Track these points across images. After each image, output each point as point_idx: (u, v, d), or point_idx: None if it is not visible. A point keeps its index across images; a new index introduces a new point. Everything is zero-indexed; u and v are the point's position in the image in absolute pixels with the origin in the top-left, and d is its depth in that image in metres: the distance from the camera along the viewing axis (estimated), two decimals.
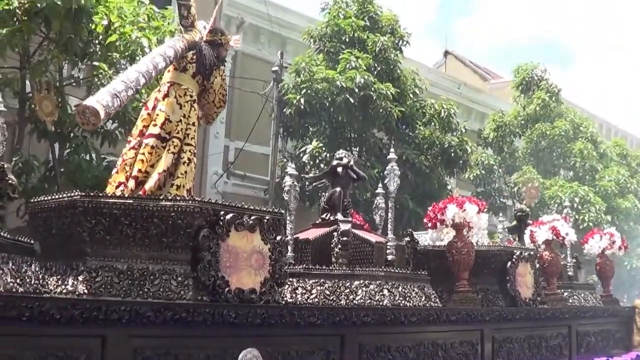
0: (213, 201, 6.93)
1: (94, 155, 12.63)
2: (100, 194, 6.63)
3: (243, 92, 21.76)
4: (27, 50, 11.94)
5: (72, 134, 12.40)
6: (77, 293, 6.30)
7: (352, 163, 9.98)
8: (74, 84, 13.08)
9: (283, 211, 7.58)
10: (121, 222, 6.50)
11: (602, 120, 41.94)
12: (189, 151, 7.58)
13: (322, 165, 18.21)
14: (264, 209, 7.35)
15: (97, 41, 12.03)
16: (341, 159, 10.05)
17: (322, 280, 8.47)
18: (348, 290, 8.46)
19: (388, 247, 9.26)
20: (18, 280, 5.88)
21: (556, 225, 11.90)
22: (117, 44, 11.91)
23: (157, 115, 7.52)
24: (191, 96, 7.76)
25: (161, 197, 6.76)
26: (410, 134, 20.49)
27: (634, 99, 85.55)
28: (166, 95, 7.63)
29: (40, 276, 6.33)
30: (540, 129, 27.18)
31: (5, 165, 6.03)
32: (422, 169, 19.79)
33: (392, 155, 9.83)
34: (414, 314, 8.56)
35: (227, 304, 6.63)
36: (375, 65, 19.20)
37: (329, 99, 18.36)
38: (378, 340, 8.13)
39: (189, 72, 7.84)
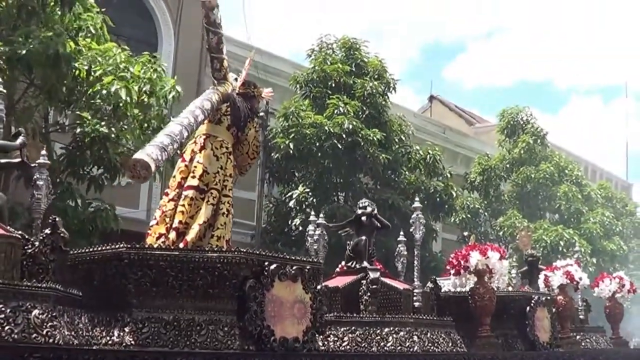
0: (258, 252, 7.04)
1: (79, 201, 12.55)
2: (146, 246, 6.74)
3: None
4: (11, 97, 11.82)
5: (58, 180, 12.29)
6: (124, 344, 6.36)
7: (375, 212, 10.14)
8: (59, 130, 13.14)
9: (321, 261, 7.70)
10: (167, 273, 6.60)
11: (588, 162, 42.37)
12: (227, 202, 7.72)
13: (307, 211, 18.25)
14: (305, 259, 7.47)
15: (80, 88, 12.12)
16: (365, 207, 10.21)
17: (353, 327, 8.55)
18: (379, 337, 8.55)
19: (415, 294, 9.37)
20: (73, 333, 5.94)
21: (570, 270, 12.08)
22: (103, 92, 11.94)
23: (195, 167, 7.66)
24: (227, 148, 7.92)
25: (207, 249, 6.87)
26: (396, 179, 20.58)
27: (619, 141, 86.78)
28: (203, 148, 7.79)
29: (90, 328, 6.39)
30: (525, 173, 27.27)
31: (57, 219, 6.12)
32: (408, 214, 19.65)
33: (417, 204, 10.03)
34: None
35: (273, 352, 6.72)
36: (364, 109, 19.35)
37: (317, 144, 18.47)
38: None
39: (224, 124, 8.00)
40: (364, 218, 10.12)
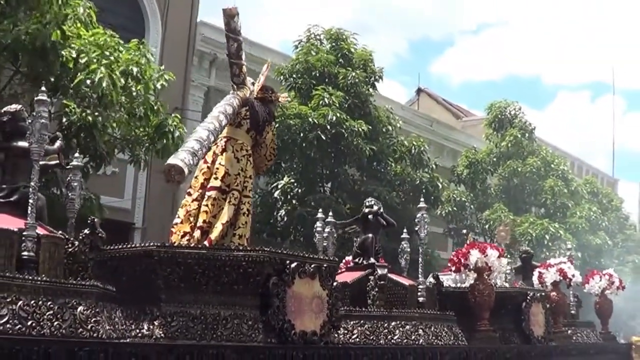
0: (280, 251, 7.46)
1: (64, 190, 12.62)
2: (175, 245, 7.15)
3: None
4: None
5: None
6: (154, 337, 6.76)
7: (381, 210, 10.57)
8: None
9: (337, 259, 8.13)
10: (195, 270, 7.00)
11: (574, 158, 42.80)
12: (247, 202, 8.12)
13: (293, 202, 18.49)
14: (322, 257, 7.90)
15: (67, 76, 12.07)
16: (372, 206, 10.65)
17: (362, 321, 8.97)
18: (386, 330, 8.99)
19: (419, 289, 9.82)
20: (111, 327, 6.34)
21: (563, 267, 12.58)
22: (87, 81, 11.87)
23: (217, 169, 8.05)
24: (247, 150, 8.31)
25: (233, 248, 7.29)
26: (382, 170, 20.68)
27: (606, 138, 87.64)
28: (224, 150, 8.17)
29: (123, 321, 6.79)
30: (512, 167, 27.34)
31: (95, 220, 6.52)
32: (393, 205, 19.68)
33: (422, 205, 10.48)
34: (447, 353, 9.19)
35: (294, 345, 7.15)
36: (347, 98, 19.41)
37: (301, 135, 18.55)
38: None
39: (243, 128, 8.38)
40: (370, 216, 10.56)
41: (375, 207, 10.68)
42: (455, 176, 27.74)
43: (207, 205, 7.89)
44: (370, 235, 10.37)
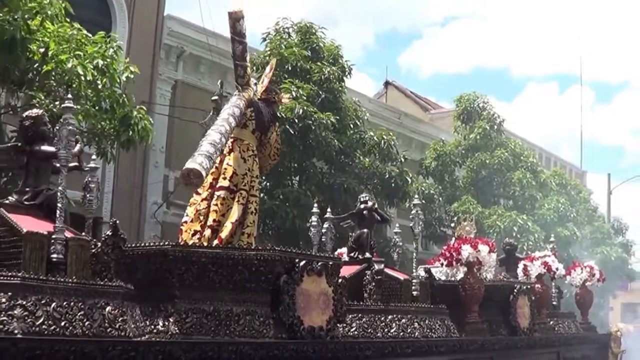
0: (289, 250, 7.75)
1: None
2: (190, 245, 7.41)
3: (183, 121, 21.30)
4: None
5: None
6: (169, 333, 7.02)
7: (376, 206, 10.89)
8: (11, 112, 13.02)
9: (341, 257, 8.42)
10: (208, 269, 7.26)
11: (542, 150, 43.28)
12: (254, 202, 8.40)
13: (261, 195, 18.59)
14: (327, 255, 8.21)
15: (34, 69, 12.03)
16: (366, 202, 10.96)
17: (360, 314, 9.28)
18: (383, 324, 9.32)
19: (413, 284, 10.16)
20: (135, 325, 6.59)
21: (548, 260, 13.00)
22: (54, 73, 11.91)
23: (225, 169, 8.31)
24: (253, 151, 8.58)
25: (245, 247, 7.57)
26: (350, 163, 20.69)
27: (574, 129, 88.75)
28: (231, 150, 8.43)
29: (142, 319, 7.04)
30: (480, 159, 27.41)
31: (117, 221, 6.75)
32: None
33: (416, 201, 10.82)
34: (442, 345, 9.55)
35: (303, 340, 7.46)
36: (320, 93, 19.41)
37: None
38: None
39: (249, 128, 8.65)
40: (365, 212, 10.87)
41: (370, 203, 10.99)
42: (424, 169, 27.83)
43: (216, 205, 8.16)
44: (365, 230, 10.68)
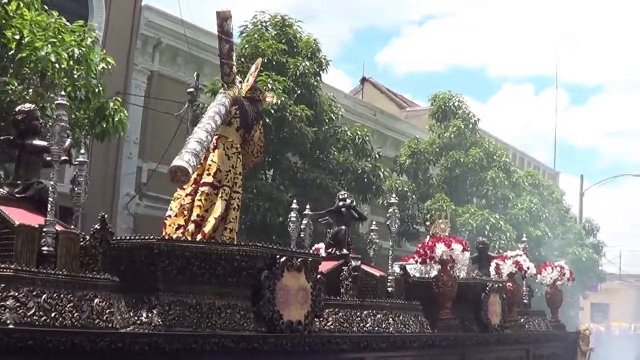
0: (270, 246, 7.99)
1: (2, 173, 12.24)
2: (175, 239, 7.64)
3: (158, 113, 20.96)
4: None
5: None
6: (153, 324, 7.24)
7: (354, 204, 11.15)
8: None
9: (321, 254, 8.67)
10: (192, 263, 7.48)
11: (517, 150, 43.59)
12: (238, 198, 8.63)
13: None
14: (307, 252, 8.45)
15: (9, 56, 11.91)
16: (345, 200, 11.21)
17: (336, 309, 9.54)
18: (359, 319, 9.59)
19: (389, 280, 10.44)
20: (121, 317, 6.81)
21: (520, 260, 13.34)
22: (28, 61, 11.79)
23: (210, 165, 8.53)
24: (237, 148, 8.81)
25: (228, 243, 7.80)
26: (325, 159, 20.64)
27: (549, 131, 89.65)
28: (216, 148, 8.65)
29: (126, 310, 7.25)
30: (455, 157, 27.27)
31: (106, 216, 6.96)
32: (335, 194, 19.36)
33: (393, 200, 11.09)
34: (415, 340, 9.85)
35: (282, 335, 7.72)
36: (296, 89, 19.37)
37: None
38: None
39: (233, 126, 8.86)
40: (344, 209, 11.13)
41: (349, 201, 11.24)
42: (398, 166, 27.83)
43: (200, 200, 8.38)
44: (343, 227, 10.92)
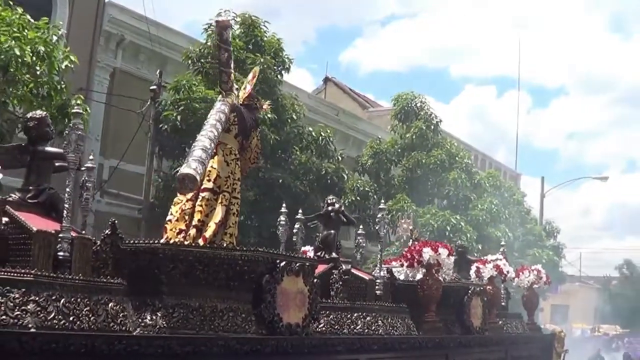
0: (272, 251, 8.23)
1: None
2: (179, 244, 7.85)
3: (120, 110, 21.44)
4: None
5: None
6: (157, 327, 7.44)
7: (342, 208, 11.43)
8: None
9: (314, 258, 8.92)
10: (195, 267, 7.70)
11: (478, 151, 44.17)
12: (237, 204, 8.84)
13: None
14: (304, 256, 8.71)
15: None
16: (333, 204, 11.48)
17: (327, 312, 9.79)
18: (350, 321, 9.85)
19: (377, 283, 10.73)
20: (131, 320, 7.01)
21: (499, 264, 13.71)
22: None
23: (210, 171, 8.72)
24: (235, 154, 9.02)
25: (231, 248, 8.03)
26: (287, 159, 20.85)
27: (511, 131, 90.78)
28: (215, 154, 8.84)
29: (133, 313, 7.44)
30: (416, 158, 27.61)
31: (116, 222, 7.16)
32: (297, 194, 19.82)
33: (382, 206, 11.37)
34: (404, 342, 10.16)
35: (282, 336, 7.96)
36: (255, 86, 19.44)
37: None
38: None
39: (232, 133, 9.07)
40: (332, 214, 11.40)
41: (337, 205, 11.52)
42: (360, 166, 28.09)
43: (201, 205, 8.56)
44: (332, 231, 11.19)
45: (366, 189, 26.58)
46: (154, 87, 19.22)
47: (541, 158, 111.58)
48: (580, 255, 65.84)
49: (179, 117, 18.46)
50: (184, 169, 7.69)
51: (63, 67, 13.01)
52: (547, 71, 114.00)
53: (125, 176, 22.22)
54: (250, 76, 9.99)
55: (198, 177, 7.63)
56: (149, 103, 19.19)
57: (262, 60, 19.65)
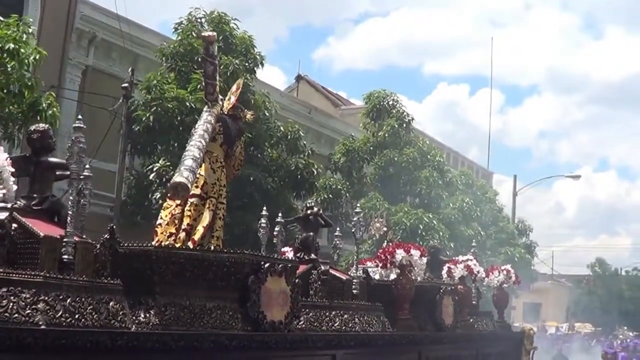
0: (256, 253, 8.84)
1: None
2: (170, 247, 8.43)
3: (92, 107, 20.96)
4: None
5: None
6: (151, 324, 8.01)
7: (321, 211, 12.05)
8: None
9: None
10: (186, 268, 8.28)
11: (451, 150, 44.72)
12: (223, 208, 9.46)
13: (168, 185, 18.84)
14: (286, 258, 9.31)
15: None
16: (312, 207, 12.11)
17: (307, 310, 10.37)
18: (328, 318, 10.46)
19: (354, 283, 11.35)
20: (129, 318, 7.57)
21: (470, 264, 14.40)
22: None
23: (197, 178, 9.30)
24: (221, 162, 9.62)
25: (219, 250, 8.63)
26: (258, 155, 21.00)
27: (483, 130, 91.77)
28: (202, 162, 9.44)
29: (129, 311, 8.01)
30: (389, 156, 27.91)
31: (114, 227, 7.73)
32: (269, 190, 19.96)
33: (358, 210, 12.01)
34: (380, 338, 10.80)
35: (266, 333, 8.57)
36: (226, 87, 19.39)
37: (179, 118, 18.50)
38: (355, 358, 10.36)
39: (217, 142, 9.66)
40: (311, 217, 12.01)
41: (316, 209, 12.14)
42: (332, 164, 28.38)
43: (189, 210, 9.16)
44: (311, 233, 11.80)
45: (338, 186, 26.96)
46: (126, 84, 19.26)
47: (514, 156, 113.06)
48: (552, 253, 66.95)
49: (151, 118, 18.66)
50: (177, 178, 8.28)
51: (32, 60, 13.04)
52: (521, 70, 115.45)
53: (97, 174, 21.79)
54: (234, 88, 10.54)
55: (190, 185, 8.22)
56: (121, 101, 19.24)
57: (235, 62, 19.89)
